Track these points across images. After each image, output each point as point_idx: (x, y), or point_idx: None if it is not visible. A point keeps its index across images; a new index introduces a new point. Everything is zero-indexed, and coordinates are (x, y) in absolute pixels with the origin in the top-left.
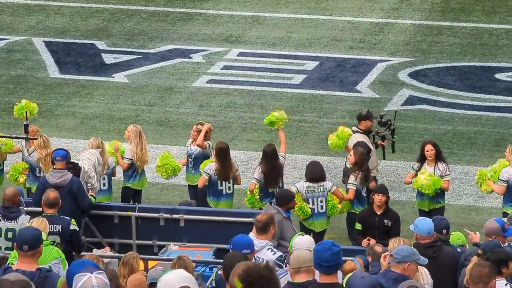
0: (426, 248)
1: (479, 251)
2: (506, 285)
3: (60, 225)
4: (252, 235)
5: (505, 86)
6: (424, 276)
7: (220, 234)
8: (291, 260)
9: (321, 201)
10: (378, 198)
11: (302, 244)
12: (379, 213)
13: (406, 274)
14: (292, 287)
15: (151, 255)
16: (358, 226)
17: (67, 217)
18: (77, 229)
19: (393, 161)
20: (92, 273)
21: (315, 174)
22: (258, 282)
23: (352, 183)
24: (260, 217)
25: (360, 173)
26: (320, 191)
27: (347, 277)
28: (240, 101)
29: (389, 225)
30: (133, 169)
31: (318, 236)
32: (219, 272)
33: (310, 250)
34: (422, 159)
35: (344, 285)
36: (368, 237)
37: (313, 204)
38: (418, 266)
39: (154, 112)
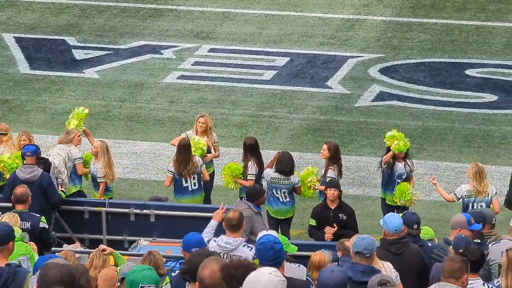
0: (390, 244)
1: (460, 250)
2: (483, 284)
3: (29, 222)
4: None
5: (475, 82)
6: (388, 270)
7: (191, 230)
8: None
9: (285, 193)
10: (330, 192)
11: None
12: (333, 208)
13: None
14: None
15: (121, 250)
16: (312, 221)
17: (37, 214)
18: (47, 227)
19: (363, 157)
20: None
21: (283, 167)
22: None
23: (331, 176)
24: (232, 215)
25: (336, 166)
26: (285, 184)
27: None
28: (211, 97)
29: (344, 219)
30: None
31: (284, 223)
32: (172, 274)
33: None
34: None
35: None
36: (328, 228)
37: (277, 193)
38: (382, 261)
39: (124, 108)
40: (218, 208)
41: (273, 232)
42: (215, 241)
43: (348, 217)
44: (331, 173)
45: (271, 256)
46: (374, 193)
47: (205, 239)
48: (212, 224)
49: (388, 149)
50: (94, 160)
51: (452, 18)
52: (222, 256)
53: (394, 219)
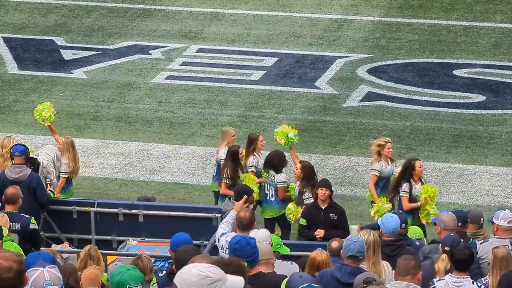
0: (385, 246)
1: (446, 248)
2: (472, 283)
3: (19, 224)
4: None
5: (463, 82)
6: (386, 270)
7: (179, 230)
8: None
9: (271, 190)
10: (321, 192)
11: (258, 237)
12: (323, 207)
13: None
14: (249, 279)
15: (110, 250)
16: (302, 221)
17: (27, 215)
18: (37, 227)
19: (352, 157)
20: (44, 267)
21: (268, 160)
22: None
23: (308, 197)
24: (243, 215)
25: (308, 187)
26: (270, 180)
27: (284, 281)
28: (199, 97)
29: (335, 218)
30: (68, 182)
31: (268, 223)
32: (160, 274)
33: (267, 243)
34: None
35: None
36: (318, 231)
37: (266, 190)
38: (382, 261)
39: (113, 108)
40: (207, 209)
41: (264, 231)
42: (226, 236)
43: (339, 217)
44: (308, 195)
45: (249, 252)
46: (362, 193)
47: (220, 232)
48: (232, 214)
49: (404, 171)
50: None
51: (440, 19)
52: (227, 253)
53: (392, 221)
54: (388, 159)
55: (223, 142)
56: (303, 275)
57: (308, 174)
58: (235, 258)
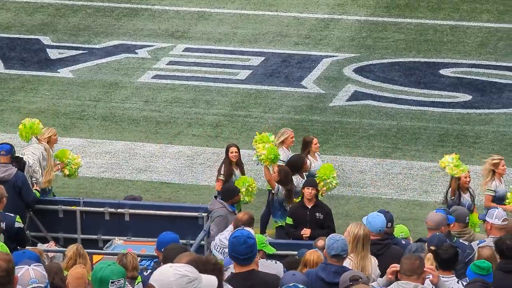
0: (372, 244)
1: (432, 247)
2: (458, 282)
3: (3, 223)
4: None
5: (449, 82)
6: (374, 265)
7: (166, 229)
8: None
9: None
10: (308, 191)
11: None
12: (309, 207)
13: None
14: (235, 276)
15: (96, 249)
16: (289, 220)
17: (12, 214)
18: (22, 226)
19: (338, 156)
20: (29, 265)
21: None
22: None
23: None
24: (241, 216)
25: (285, 191)
26: None
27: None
28: (186, 96)
29: (321, 218)
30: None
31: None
32: (145, 273)
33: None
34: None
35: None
36: (304, 230)
37: None
38: (370, 256)
39: (99, 108)
40: (193, 208)
41: (248, 229)
42: (221, 234)
43: (325, 216)
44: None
45: (244, 250)
46: (349, 193)
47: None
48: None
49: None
50: None
51: (426, 18)
52: (218, 251)
53: (379, 219)
54: (501, 177)
55: (282, 144)
56: (296, 273)
57: (283, 178)
58: (213, 257)
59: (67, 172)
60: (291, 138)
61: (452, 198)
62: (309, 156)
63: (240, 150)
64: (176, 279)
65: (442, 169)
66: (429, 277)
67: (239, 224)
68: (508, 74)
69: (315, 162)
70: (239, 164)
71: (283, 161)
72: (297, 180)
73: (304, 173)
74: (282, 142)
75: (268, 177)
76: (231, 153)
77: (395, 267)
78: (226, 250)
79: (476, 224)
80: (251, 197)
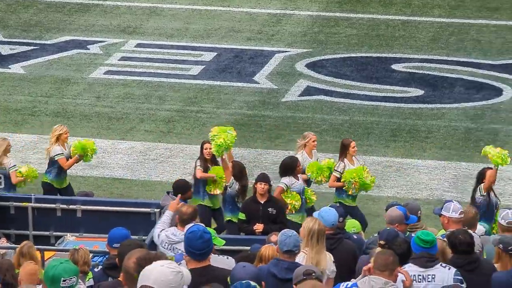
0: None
1: (381, 242)
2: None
3: None
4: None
5: (401, 77)
6: (329, 260)
7: (118, 225)
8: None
9: None
10: (260, 186)
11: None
12: (262, 202)
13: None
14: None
15: (48, 246)
16: (241, 215)
17: None
18: None
19: (291, 152)
20: None
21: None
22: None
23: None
24: (185, 210)
25: (239, 187)
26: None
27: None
28: (138, 92)
29: (274, 213)
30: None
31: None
32: (96, 269)
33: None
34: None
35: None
36: (257, 225)
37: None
38: (326, 252)
39: (51, 103)
40: (146, 204)
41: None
42: (165, 231)
43: (278, 212)
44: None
45: (200, 245)
46: None
47: (159, 229)
48: (167, 214)
49: (483, 175)
50: None
51: (378, 13)
52: (167, 247)
53: (331, 214)
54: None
55: (303, 147)
56: (247, 265)
57: (238, 173)
58: (162, 254)
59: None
60: (313, 141)
61: (484, 194)
62: (345, 160)
63: (194, 146)
64: (174, 276)
65: (485, 156)
66: (403, 280)
67: (183, 218)
68: (459, 69)
69: (349, 166)
70: (214, 160)
71: (338, 171)
72: (291, 181)
73: (298, 175)
74: (304, 146)
75: (226, 168)
76: (205, 149)
77: (371, 263)
78: (176, 245)
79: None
80: (221, 189)
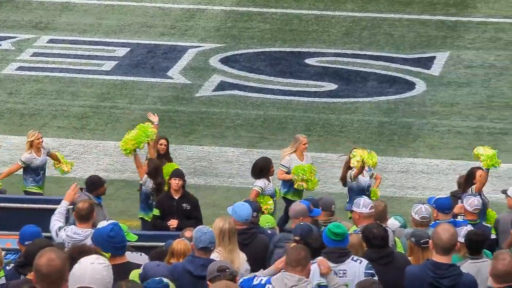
0: (238, 234)
1: (296, 238)
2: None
3: None
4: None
5: (314, 71)
6: (242, 259)
7: (31, 222)
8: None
9: None
10: (175, 182)
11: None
12: (177, 197)
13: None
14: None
15: None
16: (156, 211)
17: None
18: None
19: (205, 147)
20: None
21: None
22: None
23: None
24: (82, 206)
25: (154, 185)
26: None
27: (136, 271)
28: (50, 88)
29: (188, 208)
30: None
31: None
32: (8, 267)
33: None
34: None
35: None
36: (172, 221)
37: None
38: (239, 251)
39: None
40: (57, 200)
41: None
42: (64, 230)
43: (192, 207)
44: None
45: (122, 238)
46: (216, 183)
47: (56, 225)
48: (64, 205)
49: (473, 175)
50: None
51: (291, 8)
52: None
53: (244, 208)
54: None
55: (292, 149)
56: (161, 264)
57: (152, 171)
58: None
59: None
60: (304, 144)
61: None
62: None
63: (107, 142)
64: (107, 271)
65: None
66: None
67: (81, 214)
68: (372, 63)
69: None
70: (167, 157)
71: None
72: (265, 184)
73: (270, 177)
74: (296, 149)
75: (138, 165)
76: (160, 145)
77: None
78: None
79: (493, 218)
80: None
